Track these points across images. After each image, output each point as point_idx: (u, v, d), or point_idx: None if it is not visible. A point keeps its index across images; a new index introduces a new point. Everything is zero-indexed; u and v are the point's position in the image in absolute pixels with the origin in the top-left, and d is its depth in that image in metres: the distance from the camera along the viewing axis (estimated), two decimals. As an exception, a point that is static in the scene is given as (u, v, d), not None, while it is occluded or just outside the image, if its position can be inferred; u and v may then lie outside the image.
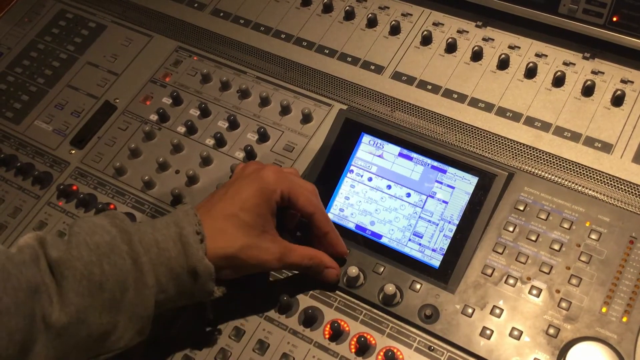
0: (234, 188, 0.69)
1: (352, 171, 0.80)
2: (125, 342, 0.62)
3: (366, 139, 0.81)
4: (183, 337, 0.72)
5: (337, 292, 0.73)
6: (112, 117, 0.91)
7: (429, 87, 0.86)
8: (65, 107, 0.94)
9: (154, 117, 0.90)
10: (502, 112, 0.82)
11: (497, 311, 0.69)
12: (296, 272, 0.74)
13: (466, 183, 0.76)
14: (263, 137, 0.85)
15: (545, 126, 0.80)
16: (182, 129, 0.88)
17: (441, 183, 0.76)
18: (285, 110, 0.87)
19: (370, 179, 0.79)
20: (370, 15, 0.92)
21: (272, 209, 0.69)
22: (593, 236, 0.71)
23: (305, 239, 0.74)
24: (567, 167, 0.76)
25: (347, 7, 0.93)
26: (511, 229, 0.73)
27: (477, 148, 0.79)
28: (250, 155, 0.84)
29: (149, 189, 0.84)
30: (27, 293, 0.55)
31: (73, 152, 0.90)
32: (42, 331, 0.56)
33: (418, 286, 0.72)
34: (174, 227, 0.64)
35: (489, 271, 0.71)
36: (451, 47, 0.87)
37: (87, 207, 0.84)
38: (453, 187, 0.76)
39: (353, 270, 0.72)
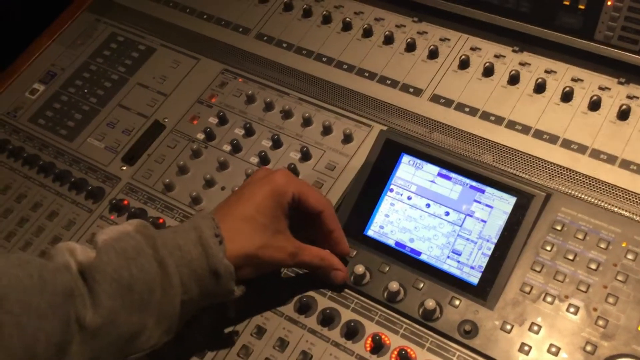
0: (248, 192, 0.73)
1: (392, 190, 0.83)
2: (155, 341, 0.66)
3: (406, 159, 0.84)
4: (206, 335, 0.76)
5: (378, 306, 0.76)
6: (161, 135, 0.96)
7: (467, 109, 0.88)
8: (117, 125, 0.99)
9: (200, 135, 0.94)
10: (539, 134, 0.84)
11: (535, 328, 0.71)
12: (307, 271, 0.78)
13: (504, 203, 0.78)
14: (305, 156, 0.89)
15: (581, 149, 0.82)
16: (227, 148, 0.92)
17: (480, 202, 0.79)
18: (326, 130, 0.90)
19: (409, 198, 0.82)
20: (409, 39, 0.95)
21: (285, 210, 0.73)
22: (629, 256, 0.73)
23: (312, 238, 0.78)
24: (603, 189, 0.78)
25: (387, 32, 0.97)
26: (549, 248, 0.75)
27: (514, 169, 0.82)
28: (293, 172, 0.87)
29: (197, 204, 0.88)
30: (63, 297, 0.59)
31: (124, 168, 0.94)
32: (77, 333, 0.60)
33: (457, 302, 0.74)
34: (194, 231, 0.67)
35: (527, 289, 0.73)
36: (488, 71, 0.90)
37: (138, 221, 0.88)
38: (491, 207, 0.78)
39: (393, 285, 0.75)
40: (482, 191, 0.79)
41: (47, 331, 0.57)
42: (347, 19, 1.00)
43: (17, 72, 1.09)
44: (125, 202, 0.90)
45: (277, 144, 0.91)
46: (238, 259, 0.68)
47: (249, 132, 0.93)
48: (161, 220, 0.87)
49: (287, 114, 0.93)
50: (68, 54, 1.10)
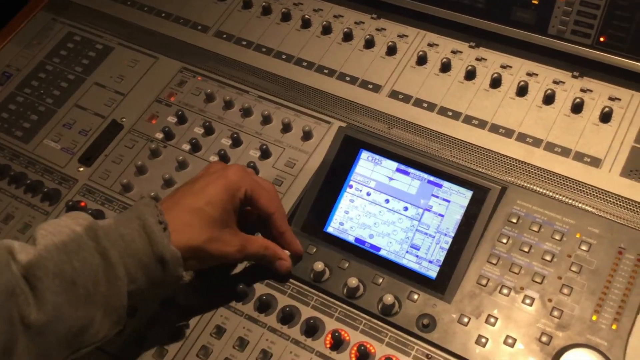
0: (200, 184, 0.72)
1: (351, 186, 0.83)
2: (104, 333, 0.65)
3: (365, 155, 0.84)
4: (165, 335, 0.76)
5: (338, 302, 0.76)
6: (119, 135, 0.95)
7: (425, 105, 0.89)
8: (74, 126, 0.97)
9: (159, 135, 0.93)
10: (495, 128, 0.85)
11: (492, 320, 0.72)
12: (254, 263, 0.78)
13: (461, 197, 0.79)
14: (265, 154, 0.88)
15: (536, 142, 0.83)
16: (187, 147, 0.91)
17: (437, 197, 0.79)
18: (286, 128, 0.90)
19: (369, 194, 0.82)
20: (367, 36, 0.95)
21: (236, 206, 0.73)
22: (583, 247, 0.74)
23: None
24: (557, 181, 0.79)
25: (346, 29, 0.97)
26: (505, 240, 0.76)
27: (471, 163, 0.83)
28: (253, 170, 0.87)
29: (155, 204, 0.87)
30: (5, 297, 0.57)
31: (81, 169, 0.93)
32: (22, 332, 0.58)
33: (415, 296, 0.75)
34: (137, 219, 0.67)
35: (484, 281, 0.74)
36: (445, 67, 0.91)
37: (95, 223, 0.86)
38: (448, 201, 0.79)
39: (353, 281, 0.75)
40: (440, 186, 0.80)
41: None
42: (307, 16, 0.99)
43: (-29, 73, 1.07)
44: (83, 204, 0.88)
45: (236, 142, 0.90)
46: (184, 251, 0.68)
47: (209, 130, 0.92)
48: (119, 221, 0.86)
49: (246, 112, 0.93)
50: (24, 54, 1.08)
